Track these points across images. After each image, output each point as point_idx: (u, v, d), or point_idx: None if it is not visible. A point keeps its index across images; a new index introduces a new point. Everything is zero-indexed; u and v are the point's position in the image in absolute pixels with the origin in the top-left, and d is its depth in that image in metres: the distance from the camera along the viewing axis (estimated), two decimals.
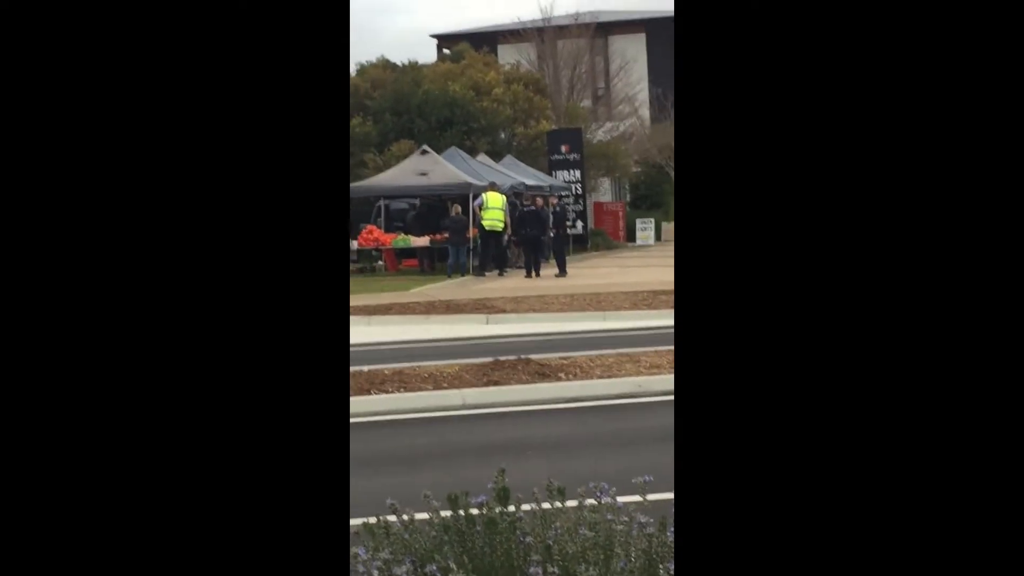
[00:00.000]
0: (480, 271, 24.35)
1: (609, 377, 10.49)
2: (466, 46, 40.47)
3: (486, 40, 44.80)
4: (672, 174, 32.66)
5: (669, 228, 38.94)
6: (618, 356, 11.57)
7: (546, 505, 3.52)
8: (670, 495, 3.66)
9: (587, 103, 41.66)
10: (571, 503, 3.59)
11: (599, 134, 38.86)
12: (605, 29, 47.02)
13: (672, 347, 12.08)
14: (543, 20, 42.43)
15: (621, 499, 3.66)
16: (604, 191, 38.85)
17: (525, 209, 25.10)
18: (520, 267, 25.30)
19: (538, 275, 23.59)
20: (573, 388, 10.10)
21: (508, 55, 42.42)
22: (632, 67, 45.57)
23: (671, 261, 18.28)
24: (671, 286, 19.29)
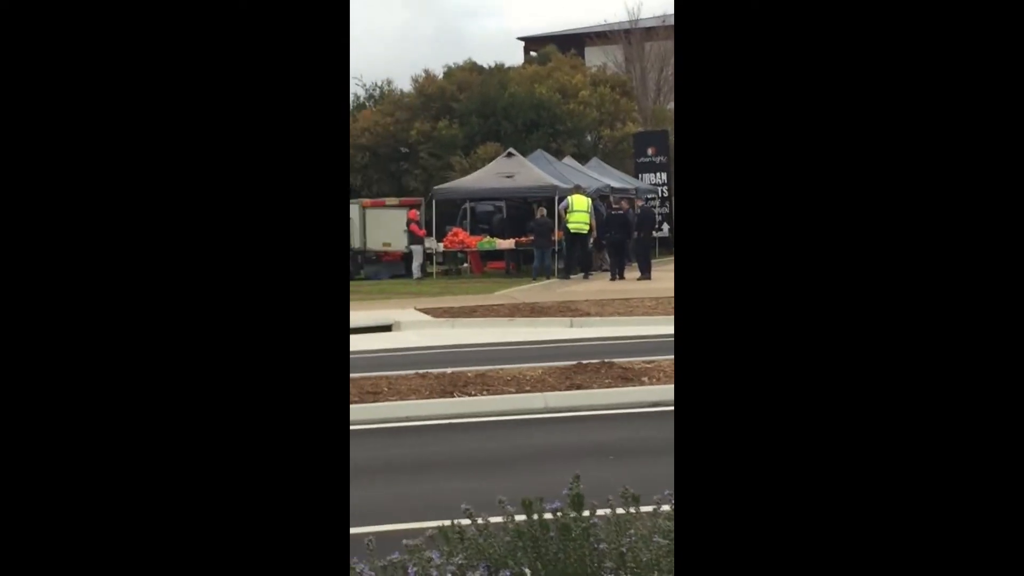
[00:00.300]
0: (565, 274, 24.32)
1: None
2: (553, 48, 40.52)
3: (573, 42, 44.78)
4: None
5: None
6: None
7: (620, 511, 3.50)
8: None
9: (674, 106, 41.45)
10: (647, 509, 3.57)
11: None
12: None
13: None
14: (630, 22, 42.30)
15: None
16: None
17: (611, 212, 25.04)
18: (606, 270, 25.23)
19: (622, 278, 23.52)
20: (655, 392, 10.04)
21: (595, 57, 42.37)
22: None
23: None
24: None
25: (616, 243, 24.40)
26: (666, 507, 3.47)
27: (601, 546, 3.30)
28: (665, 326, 15.87)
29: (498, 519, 3.57)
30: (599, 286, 22.18)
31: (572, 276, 24.26)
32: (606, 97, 34.49)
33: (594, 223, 24.48)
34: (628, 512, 3.50)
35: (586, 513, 3.41)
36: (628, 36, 41.52)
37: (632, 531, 3.38)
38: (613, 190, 28.06)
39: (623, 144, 34.34)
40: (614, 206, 25.48)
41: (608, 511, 3.52)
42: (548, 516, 3.40)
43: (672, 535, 3.29)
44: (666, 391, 10.03)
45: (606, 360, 11.16)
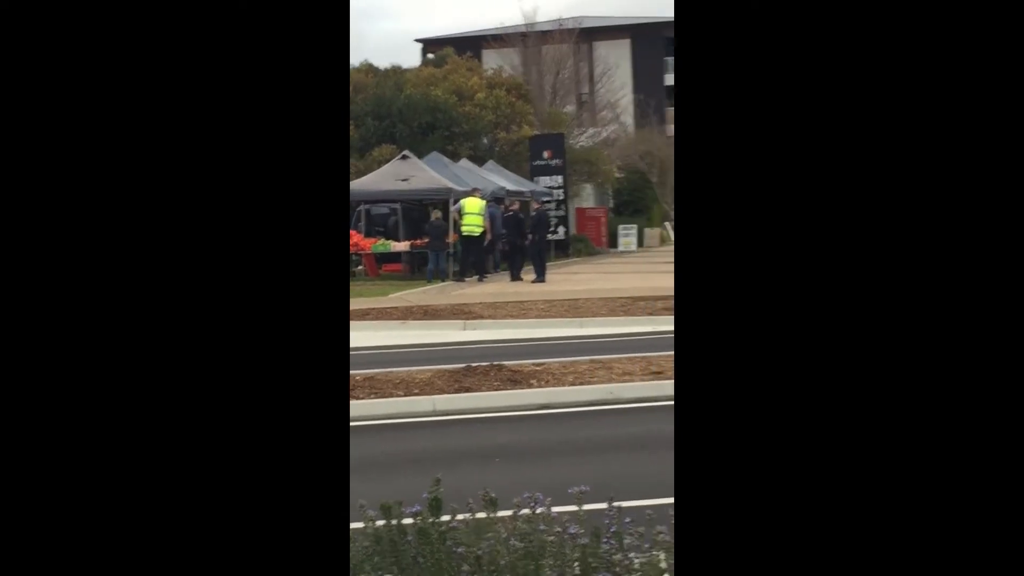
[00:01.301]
0: (460, 277, 24.32)
1: (580, 384, 10.48)
2: (450, 51, 40.50)
3: (470, 45, 44.82)
4: (655, 181, 32.70)
5: (651, 234, 39.00)
6: (591, 363, 11.56)
7: (481, 515, 3.51)
8: (604, 504, 3.67)
9: (570, 109, 41.70)
10: (507, 513, 3.58)
11: (582, 140, 38.89)
12: (589, 35, 47.12)
13: (645, 354, 12.12)
14: (526, 25, 42.47)
15: (562, 508, 3.66)
16: (586, 197, 38.86)
17: (506, 214, 25.15)
18: (503, 271, 25.32)
19: (518, 279, 23.62)
20: (543, 395, 10.08)
21: (491, 60, 42.45)
22: (615, 73, 45.66)
23: (652, 267, 18.50)
24: (650, 292, 19.32)
25: (512, 245, 24.50)
26: (525, 510, 3.48)
27: (459, 550, 3.30)
28: (557, 328, 15.98)
29: (358, 524, 3.55)
30: (493, 288, 22.21)
31: (467, 279, 24.26)
32: (502, 100, 34.55)
33: (488, 225, 24.52)
34: (488, 516, 3.50)
35: (447, 517, 3.40)
36: (524, 39, 41.67)
37: (490, 535, 3.39)
38: (509, 193, 28.12)
39: (519, 147, 34.44)
40: (509, 208, 25.56)
41: (468, 515, 3.53)
42: (408, 520, 3.39)
43: (528, 538, 3.31)
44: (554, 393, 10.09)
45: (495, 363, 11.17)
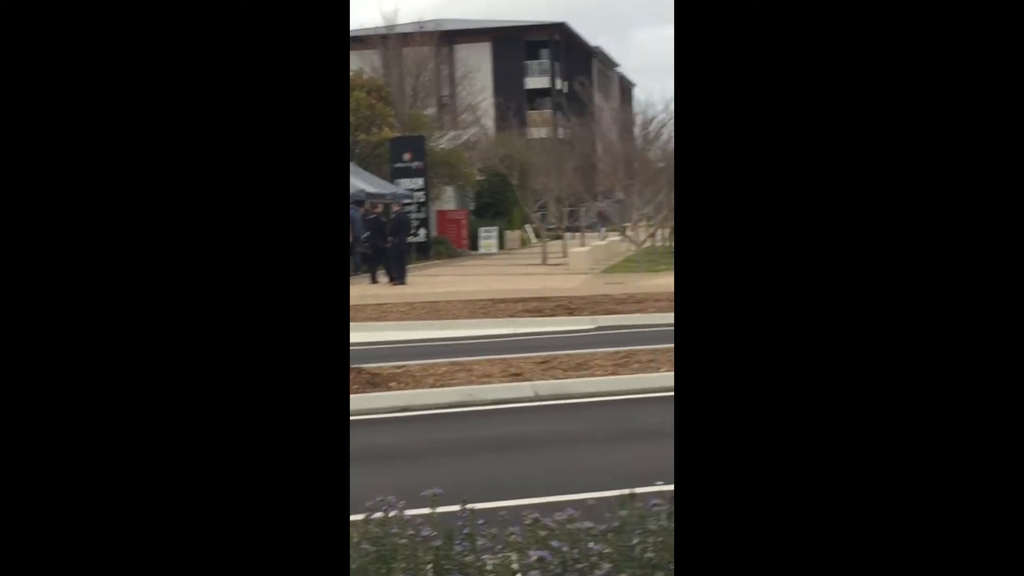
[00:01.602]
0: None
1: (440, 386, 10.50)
2: None
3: None
4: (515, 183, 32.89)
5: (512, 236, 39.23)
6: (451, 365, 11.60)
7: None
8: (457, 507, 3.70)
9: (431, 111, 41.69)
10: (359, 517, 3.58)
11: (442, 142, 38.92)
12: (449, 37, 47.21)
13: (504, 356, 12.20)
14: (387, 27, 42.32)
15: (416, 511, 3.67)
16: (447, 199, 38.92)
17: (367, 217, 25.08)
18: (363, 274, 25.23)
19: (375, 282, 23.60)
20: (403, 397, 10.07)
21: (352, 62, 42.15)
22: (475, 76, 45.80)
23: (513, 270, 18.62)
24: (510, 295, 19.44)
25: (375, 248, 24.44)
26: (378, 514, 3.49)
27: None
28: (417, 331, 15.97)
29: None
30: (353, 291, 22.08)
31: None
32: (362, 102, 34.35)
33: (349, 228, 24.40)
34: None
35: None
36: (385, 41, 41.52)
37: None
38: (369, 195, 27.99)
39: (380, 149, 34.31)
40: (371, 211, 25.47)
41: None
42: None
43: (381, 542, 3.32)
44: (414, 396, 10.09)
45: (355, 365, 11.12)
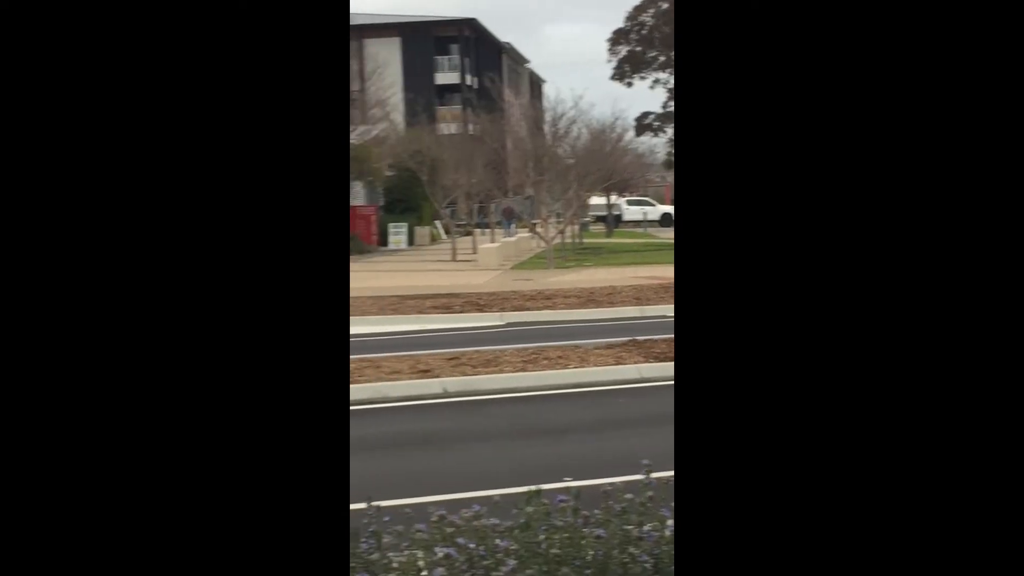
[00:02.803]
0: None
1: (350, 383, 10.45)
2: None
3: None
4: (424, 179, 32.82)
5: (422, 232, 39.16)
6: (360, 361, 11.55)
7: None
8: (363, 504, 3.68)
9: None
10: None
11: (352, 137, 38.68)
12: (359, 32, 46.95)
13: (413, 352, 12.18)
14: None
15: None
16: (357, 195, 38.69)
17: None
18: None
19: None
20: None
21: None
22: (385, 71, 45.62)
23: (422, 266, 18.60)
24: (420, 291, 19.39)
25: None
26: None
27: None
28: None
29: None
30: None
31: None
32: None
33: None
34: None
35: None
36: None
37: None
38: None
39: None
40: None
41: None
42: None
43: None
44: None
45: None
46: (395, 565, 3.50)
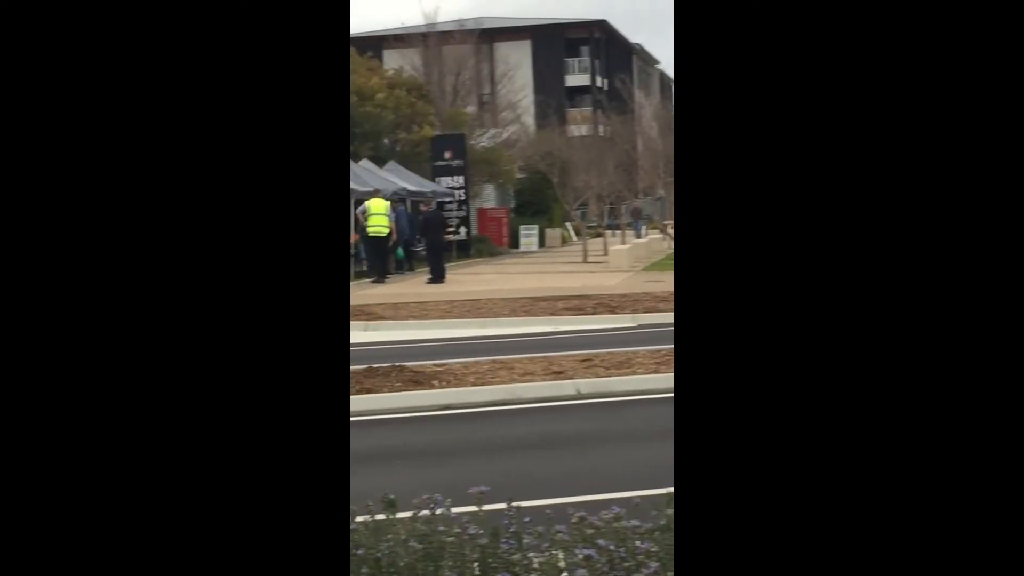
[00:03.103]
0: (378, 278, 24.02)
1: (482, 384, 10.51)
2: (351, 51, 40.26)
3: (371, 45, 44.62)
4: (555, 181, 32.87)
5: (552, 234, 39.21)
6: (492, 363, 11.60)
7: (380, 517, 3.51)
8: (503, 505, 3.70)
9: (471, 109, 41.74)
10: (407, 514, 3.59)
11: (483, 140, 38.94)
12: (489, 35, 47.23)
13: (546, 354, 12.20)
14: (427, 25, 42.41)
15: (462, 509, 3.67)
16: (488, 197, 38.93)
17: (426, 214, 25.30)
18: (406, 272, 25.36)
19: (441, 280, 23.49)
20: (445, 395, 10.09)
21: (393, 60, 42.31)
22: (516, 74, 45.79)
23: (553, 268, 18.54)
24: (551, 292, 19.43)
25: (429, 244, 24.60)
26: (425, 512, 3.49)
27: (359, 552, 3.31)
28: (458, 329, 16.00)
29: None
30: (394, 290, 22.14)
31: (387, 279, 24.03)
32: (403, 100, 34.45)
33: (394, 226, 24.45)
34: (388, 517, 3.51)
35: None
36: (425, 39, 41.61)
37: (390, 536, 3.39)
38: (410, 193, 28.07)
39: (420, 147, 34.39)
40: (424, 208, 25.73)
41: (368, 517, 3.53)
42: None
43: (428, 539, 3.33)
44: (456, 394, 10.11)
45: (397, 364, 11.15)
46: (535, 566, 3.51)
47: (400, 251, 26.30)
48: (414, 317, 17.05)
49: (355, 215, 24.42)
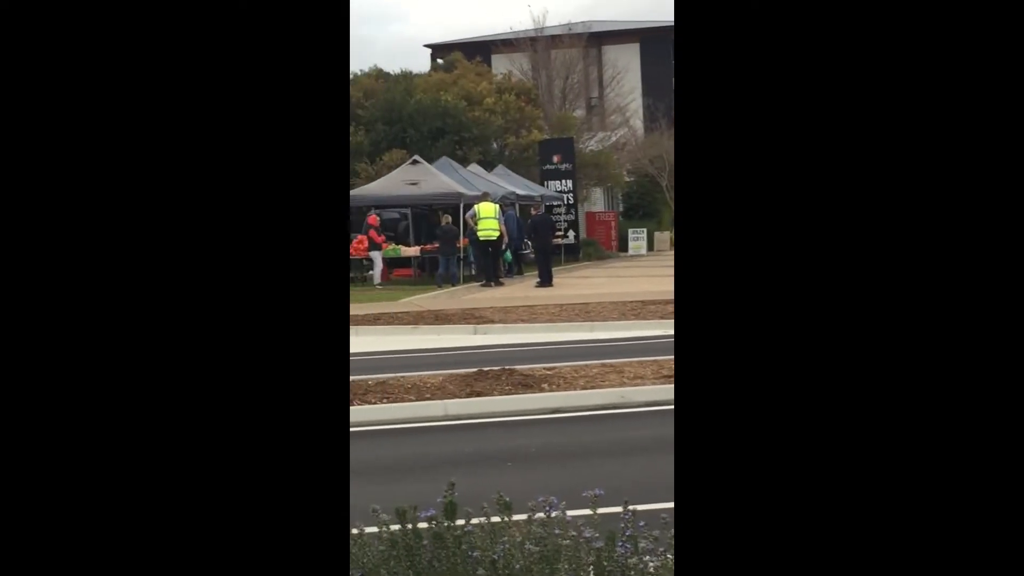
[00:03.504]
0: (487, 281, 24.14)
1: (592, 388, 10.47)
2: (459, 55, 40.54)
3: (479, 50, 44.83)
4: (664, 184, 32.68)
5: (661, 238, 38.98)
6: (602, 367, 11.56)
7: (496, 519, 3.51)
8: (618, 508, 3.66)
9: (580, 113, 41.69)
10: (521, 517, 3.58)
11: (591, 144, 38.87)
12: (598, 39, 47.12)
13: (656, 357, 12.11)
14: (536, 30, 42.48)
15: (576, 512, 3.65)
16: (596, 201, 38.85)
17: (536, 218, 25.38)
18: (510, 277, 25.40)
19: (548, 284, 23.47)
20: (555, 399, 10.07)
21: (501, 65, 42.46)
22: (624, 77, 45.63)
23: (662, 271, 18.42)
24: (660, 296, 19.30)
25: (539, 248, 24.64)
26: (540, 514, 3.48)
27: (475, 554, 3.30)
28: (567, 333, 15.98)
29: (372, 529, 3.55)
30: (504, 293, 22.20)
31: (493, 283, 24.11)
32: (511, 104, 34.57)
33: (504, 229, 24.52)
34: (503, 520, 3.50)
35: (461, 521, 3.40)
36: (534, 44, 41.68)
37: (505, 538, 3.39)
38: (519, 197, 28.15)
39: (529, 151, 34.46)
40: (535, 211, 25.81)
41: (484, 519, 3.53)
42: (422, 525, 3.39)
43: (544, 542, 3.31)
44: (566, 397, 10.08)
45: (507, 367, 11.17)
46: (651, 570, 3.48)
47: (508, 255, 26.34)
48: (523, 321, 17.07)
49: (465, 219, 24.57)
